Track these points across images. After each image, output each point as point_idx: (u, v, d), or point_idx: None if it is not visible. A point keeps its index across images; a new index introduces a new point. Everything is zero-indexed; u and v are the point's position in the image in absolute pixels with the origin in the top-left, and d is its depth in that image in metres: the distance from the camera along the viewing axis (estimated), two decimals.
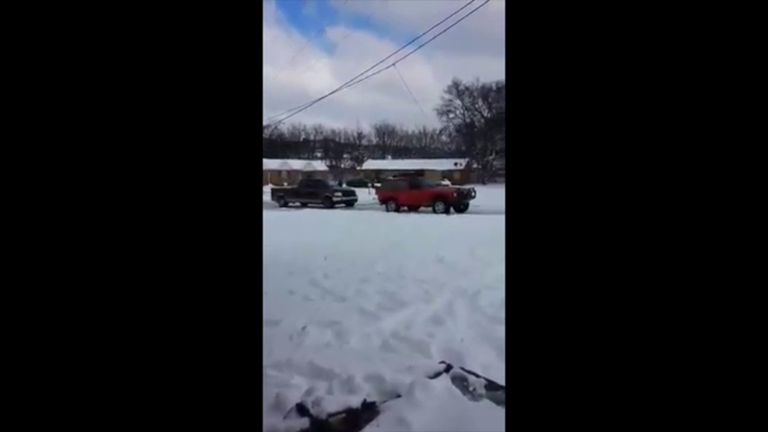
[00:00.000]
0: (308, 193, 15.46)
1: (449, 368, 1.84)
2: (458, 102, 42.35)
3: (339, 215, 11.59)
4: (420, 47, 9.92)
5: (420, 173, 23.66)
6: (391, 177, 15.60)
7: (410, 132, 63.00)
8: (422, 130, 59.45)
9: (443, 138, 54.32)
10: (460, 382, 1.74)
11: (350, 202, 15.08)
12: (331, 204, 14.42)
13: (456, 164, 38.24)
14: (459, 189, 13.00)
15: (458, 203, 11.93)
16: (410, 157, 54.35)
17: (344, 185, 21.40)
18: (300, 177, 23.83)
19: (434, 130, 54.33)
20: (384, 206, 13.20)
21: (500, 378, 1.77)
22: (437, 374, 1.78)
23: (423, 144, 61.55)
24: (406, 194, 12.78)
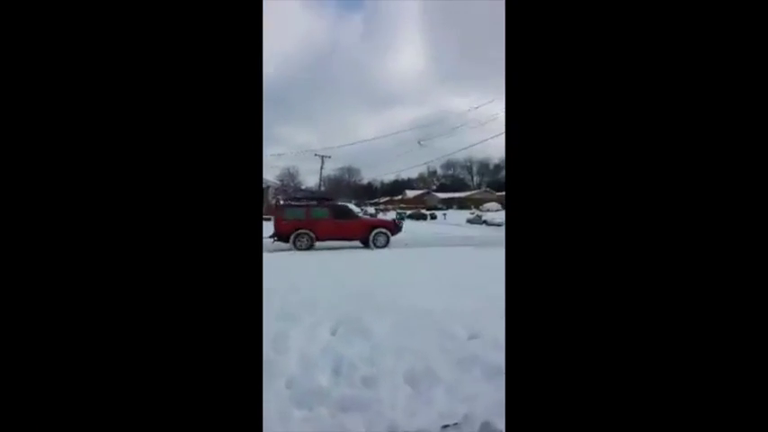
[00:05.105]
0: None
1: None
2: None
3: None
4: None
5: None
6: (293, 203, 10.32)
7: None
8: None
9: None
10: None
11: None
12: None
13: None
14: (395, 219, 10.41)
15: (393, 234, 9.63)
16: None
17: None
18: None
19: None
20: (286, 242, 8.78)
21: None
22: None
23: None
24: (329, 225, 9.11)
